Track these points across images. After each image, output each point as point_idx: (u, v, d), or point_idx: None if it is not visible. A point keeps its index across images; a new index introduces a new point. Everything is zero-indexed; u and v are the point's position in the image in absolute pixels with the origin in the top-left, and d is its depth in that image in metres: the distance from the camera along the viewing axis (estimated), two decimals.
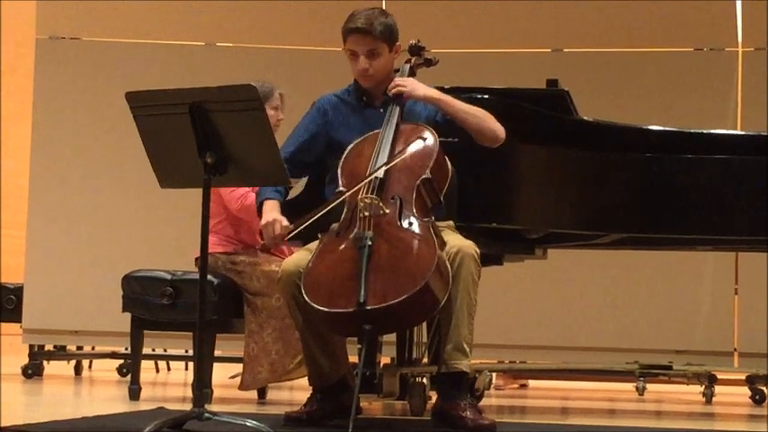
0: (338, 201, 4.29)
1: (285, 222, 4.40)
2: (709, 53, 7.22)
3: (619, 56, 7.28)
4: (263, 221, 4.45)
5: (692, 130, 5.27)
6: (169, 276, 5.64)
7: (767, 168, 5.05)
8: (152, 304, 5.61)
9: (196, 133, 4.07)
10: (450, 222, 4.56)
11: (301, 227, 4.30)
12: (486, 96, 4.93)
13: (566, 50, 7.36)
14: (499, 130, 4.54)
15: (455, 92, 4.76)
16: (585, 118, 5.22)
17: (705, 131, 5.30)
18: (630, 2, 7.25)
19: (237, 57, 7.36)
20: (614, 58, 7.27)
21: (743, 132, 6.19)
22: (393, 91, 4.52)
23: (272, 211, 4.49)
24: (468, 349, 4.35)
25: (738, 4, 7.17)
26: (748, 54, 7.16)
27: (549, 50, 7.36)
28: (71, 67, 7.43)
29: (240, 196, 5.58)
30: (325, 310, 4.10)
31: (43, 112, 7.40)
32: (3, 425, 4.07)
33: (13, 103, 10.56)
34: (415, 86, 4.54)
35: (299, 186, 4.90)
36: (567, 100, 5.18)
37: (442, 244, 4.24)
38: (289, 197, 4.96)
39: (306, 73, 7.23)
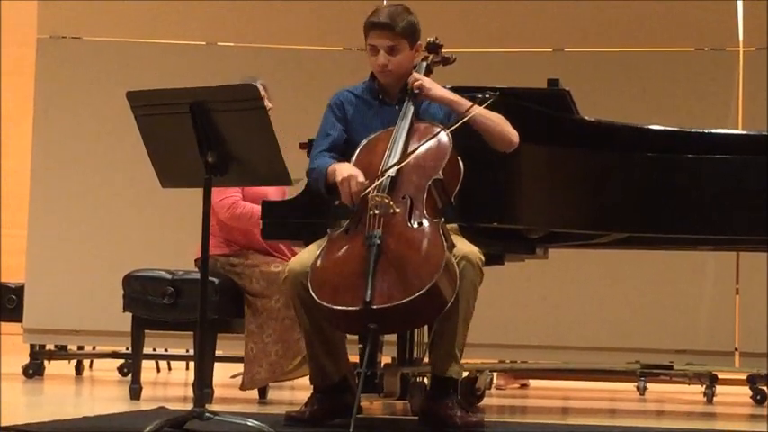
0: (403, 163, 4.27)
1: (361, 178, 4.31)
2: (711, 53, 7.21)
3: (620, 55, 7.28)
4: (340, 178, 4.32)
5: (693, 130, 5.27)
6: (170, 276, 5.64)
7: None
8: (153, 304, 5.60)
9: (197, 133, 4.07)
10: (455, 226, 4.55)
11: (378, 181, 4.24)
12: (488, 95, 4.92)
13: (567, 50, 7.36)
14: (514, 135, 4.54)
15: (456, 91, 4.75)
16: (586, 117, 5.21)
17: (706, 131, 5.29)
18: (631, 1, 7.24)
19: (238, 56, 7.35)
20: (615, 57, 7.27)
21: (744, 132, 6.18)
22: (415, 84, 4.49)
23: (346, 167, 4.37)
24: (459, 355, 4.39)
25: (739, 4, 7.16)
26: (749, 54, 7.16)
27: (551, 50, 7.36)
28: (72, 67, 7.42)
29: (229, 206, 5.57)
30: (331, 306, 4.10)
31: (44, 111, 7.40)
32: (4, 424, 4.07)
33: (14, 103, 10.55)
34: (432, 86, 4.52)
35: (300, 185, 4.90)
36: (568, 99, 5.17)
37: (452, 245, 4.23)
38: (289, 196, 4.97)
39: (306, 72, 7.22)
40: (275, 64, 7.22)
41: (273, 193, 5.57)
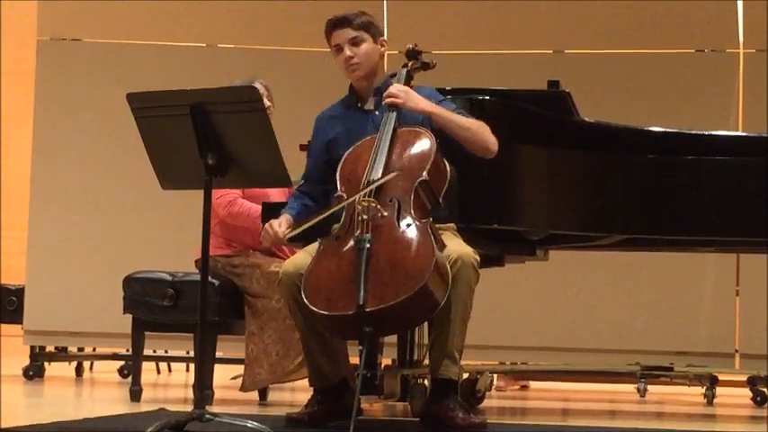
0: (338, 207, 4.31)
1: (285, 224, 4.46)
2: (711, 54, 7.22)
3: (620, 57, 7.28)
4: (266, 223, 4.51)
5: (693, 132, 5.27)
6: (170, 278, 5.63)
7: None
8: (153, 306, 5.60)
9: (197, 134, 4.07)
10: (452, 225, 4.56)
11: (299, 229, 4.34)
12: (488, 97, 4.92)
13: (567, 52, 7.36)
14: (491, 143, 4.53)
15: (456, 93, 4.76)
16: (587, 119, 5.21)
17: (706, 133, 5.29)
18: (632, 3, 7.25)
19: (238, 58, 7.35)
20: (615, 59, 7.27)
21: (744, 134, 6.18)
22: (387, 101, 4.52)
23: (277, 221, 4.53)
24: (457, 356, 4.40)
25: (740, 5, 7.16)
26: (749, 55, 7.16)
27: (551, 52, 7.36)
28: (72, 69, 7.43)
29: (228, 203, 5.58)
30: (325, 313, 4.12)
31: (44, 113, 7.41)
32: (4, 426, 4.07)
33: (15, 105, 10.56)
34: (408, 98, 4.52)
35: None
36: (569, 101, 5.17)
37: (442, 245, 4.25)
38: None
39: (306, 74, 7.22)
40: (275, 65, 7.22)
41: (275, 194, 5.57)
